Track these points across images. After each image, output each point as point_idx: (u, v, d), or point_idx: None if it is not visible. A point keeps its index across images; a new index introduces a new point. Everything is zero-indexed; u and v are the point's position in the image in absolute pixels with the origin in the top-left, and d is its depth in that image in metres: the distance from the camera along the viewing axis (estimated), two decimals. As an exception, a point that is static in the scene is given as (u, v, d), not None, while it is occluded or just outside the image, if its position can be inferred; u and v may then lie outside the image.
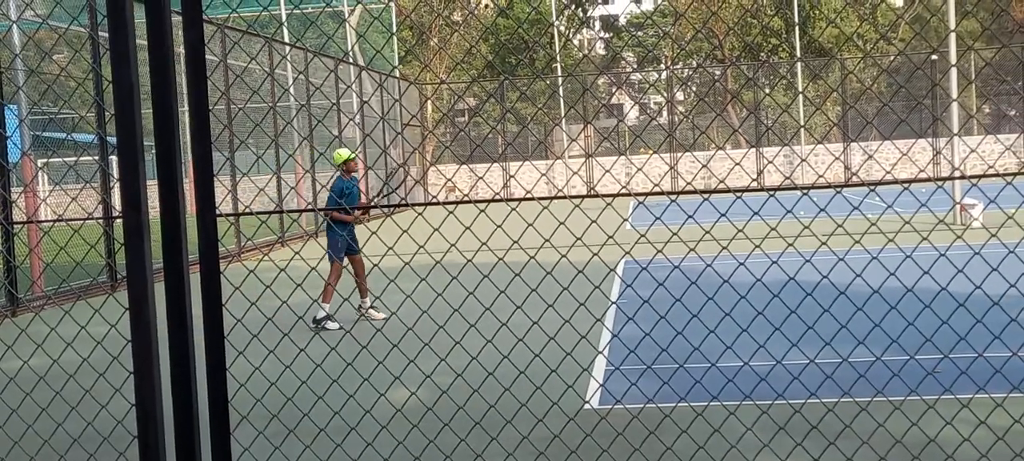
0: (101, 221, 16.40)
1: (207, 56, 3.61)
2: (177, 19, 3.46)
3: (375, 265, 4.67)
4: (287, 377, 5.93)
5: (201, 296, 3.59)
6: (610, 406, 7.62)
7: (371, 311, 12.26)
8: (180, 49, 3.62)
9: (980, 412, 6.08)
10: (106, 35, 3.47)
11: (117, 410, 6.87)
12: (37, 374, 5.75)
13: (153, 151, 3.52)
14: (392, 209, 30.50)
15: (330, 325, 11.80)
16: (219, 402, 3.64)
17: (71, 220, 4.32)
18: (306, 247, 22.69)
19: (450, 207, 4.61)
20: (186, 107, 3.60)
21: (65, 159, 18.16)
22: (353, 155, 12.14)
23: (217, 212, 3.64)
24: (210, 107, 3.59)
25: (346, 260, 12.13)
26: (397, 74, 38.25)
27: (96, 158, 16.24)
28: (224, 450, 3.67)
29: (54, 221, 4.48)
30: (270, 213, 4.16)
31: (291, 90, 26.92)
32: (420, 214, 3.75)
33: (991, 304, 4.62)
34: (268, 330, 5.92)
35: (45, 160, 23.49)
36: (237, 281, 4.20)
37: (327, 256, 11.77)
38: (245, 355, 4.62)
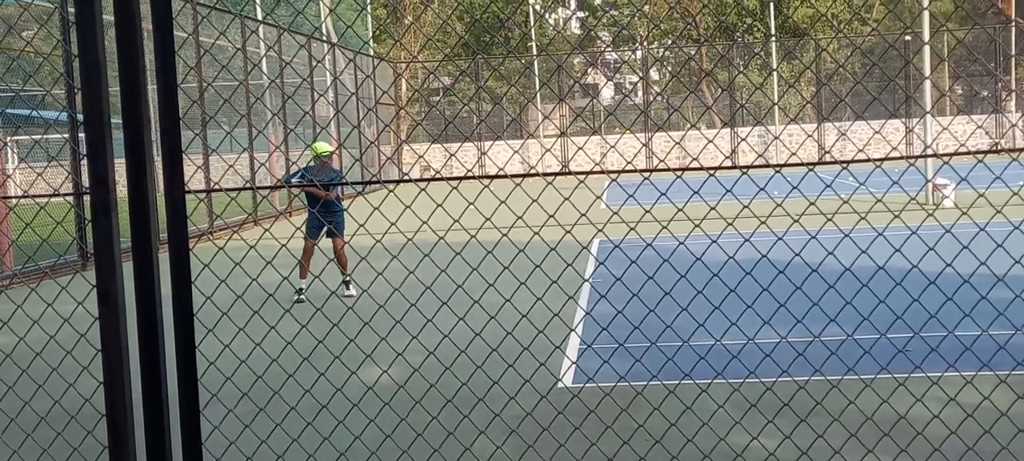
0: (69, 198, 16.25)
1: (176, 32, 3.56)
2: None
3: (346, 242, 4.63)
4: (258, 356, 5.89)
5: (170, 273, 3.55)
6: (583, 384, 7.62)
7: (342, 288, 12.46)
8: (149, 25, 3.56)
9: (950, 389, 6.12)
10: (74, 10, 3.41)
11: (85, 389, 6.81)
12: (4, 353, 5.69)
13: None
14: (364, 187, 30.41)
15: (353, 289, 12.05)
16: (188, 380, 3.61)
17: (38, 196, 4.26)
18: (278, 226, 22.57)
19: (422, 185, 4.57)
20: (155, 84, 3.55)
21: (32, 136, 17.94)
22: (330, 151, 12.39)
23: (186, 189, 3.60)
24: (179, 83, 3.54)
25: (329, 243, 12.42)
26: (371, 51, 38.05)
27: (65, 135, 16.09)
28: (194, 429, 3.64)
29: (20, 197, 4.43)
30: (239, 190, 4.11)
31: (263, 67, 26.73)
32: (391, 191, 3.72)
33: (961, 282, 4.64)
34: (240, 309, 5.88)
35: (14, 137, 23.24)
36: (208, 259, 4.16)
37: (335, 235, 12.30)
38: (215, 333, 4.58)
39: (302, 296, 12.24)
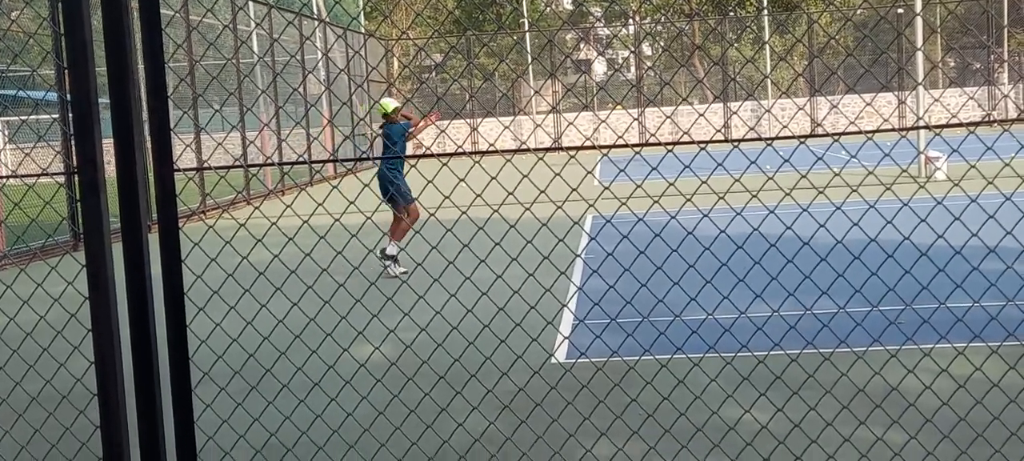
0: (58, 178, 16.22)
1: (163, 10, 3.54)
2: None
3: (337, 220, 4.62)
4: (251, 335, 5.89)
5: (159, 251, 3.53)
6: (575, 359, 7.62)
7: (394, 264, 12.26)
8: (136, 3, 3.54)
9: (942, 361, 6.14)
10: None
11: (77, 369, 6.80)
12: (-5, 333, 5.67)
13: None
14: (355, 164, 30.35)
15: (395, 269, 11.83)
16: (180, 359, 3.60)
17: (27, 176, 4.24)
18: (269, 204, 22.53)
19: (413, 161, 4.56)
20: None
21: (20, 117, 17.86)
22: (400, 106, 12.26)
23: (175, 167, 3.58)
24: (166, 61, 3.52)
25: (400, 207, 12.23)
26: (362, 28, 37.91)
27: (54, 116, 16.02)
28: (186, 407, 3.64)
29: (8, 177, 4.40)
30: (229, 168, 4.10)
31: (253, 44, 26.60)
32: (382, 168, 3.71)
33: (953, 254, 4.64)
34: (232, 288, 5.87)
35: (3, 117, 23.14)
36: (199, 238, 4.14)
37: (397, 203, 12.06)
38: (206, 312, 4.57)
39: (398, 264, 12.19)
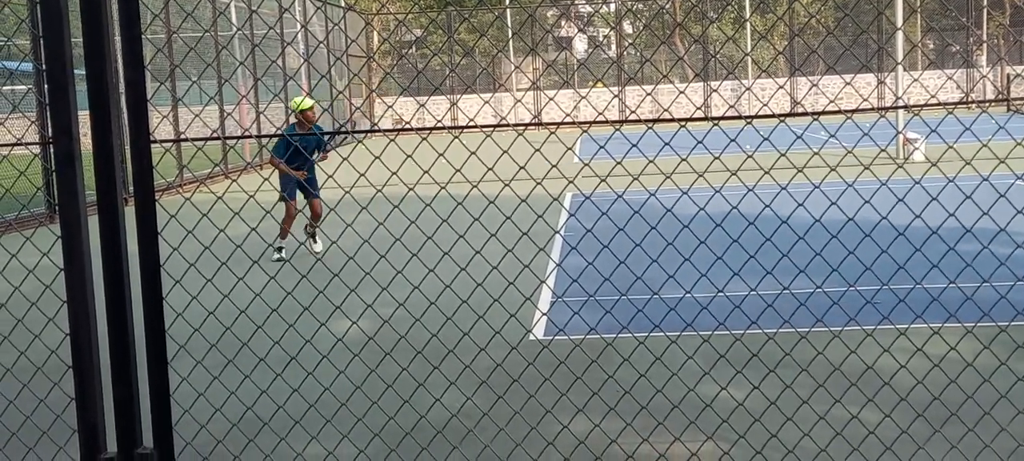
0: (33, 148, 16.10)
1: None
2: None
3: (314, 194, 4.60)
4: (228, 308, 5.86)
5: (136, 223, 3.50)
6: (553, 336, 7.63)
7: (309, 242, 12.31)
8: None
9: (917, 340, 6.18)
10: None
11: (52, 340, 6.76)
12: (-31, 305, 5.62)
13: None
14: (333, 138, 30.23)
15: (273, 255, 11.86)
16: (156, 332, 3.57)
17: (1, 145, 4.19)
18: (247, 178, 22.43)
19: (392, 135, 4.54)
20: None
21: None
22: (313, 105, 12.14)
23: (152, 139, 3.55)
24: (143, 32, 3.48)
25: (304, 203, 12.22)
26: (342, 2, 37.68)
27: (29, 86, 15.87)
28: (161, 380, 3.61)
29: (-18, 148, 4.36)
30: (206, 140, 4.07)
31: (231, 15, 26.40)
32: (360, 141, 3.69)
33: (929, 234, 4.66)
34: (209, 261, 5.85)
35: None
36: (176, 211, 4.12)
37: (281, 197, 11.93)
38: (183, 285, 4.54)
39: (283, 255, 12.11)
